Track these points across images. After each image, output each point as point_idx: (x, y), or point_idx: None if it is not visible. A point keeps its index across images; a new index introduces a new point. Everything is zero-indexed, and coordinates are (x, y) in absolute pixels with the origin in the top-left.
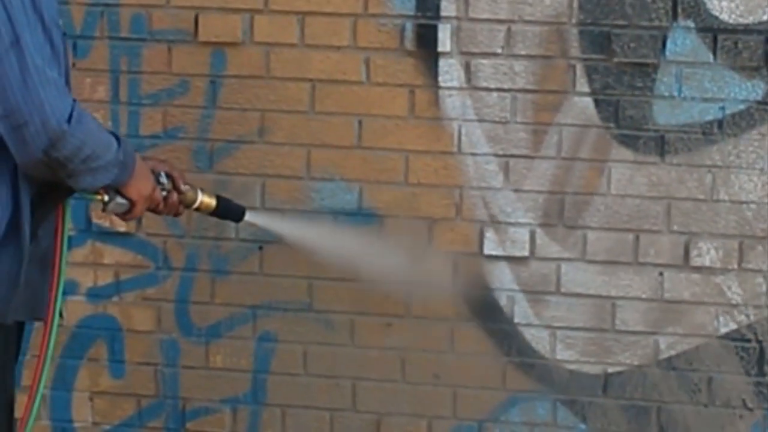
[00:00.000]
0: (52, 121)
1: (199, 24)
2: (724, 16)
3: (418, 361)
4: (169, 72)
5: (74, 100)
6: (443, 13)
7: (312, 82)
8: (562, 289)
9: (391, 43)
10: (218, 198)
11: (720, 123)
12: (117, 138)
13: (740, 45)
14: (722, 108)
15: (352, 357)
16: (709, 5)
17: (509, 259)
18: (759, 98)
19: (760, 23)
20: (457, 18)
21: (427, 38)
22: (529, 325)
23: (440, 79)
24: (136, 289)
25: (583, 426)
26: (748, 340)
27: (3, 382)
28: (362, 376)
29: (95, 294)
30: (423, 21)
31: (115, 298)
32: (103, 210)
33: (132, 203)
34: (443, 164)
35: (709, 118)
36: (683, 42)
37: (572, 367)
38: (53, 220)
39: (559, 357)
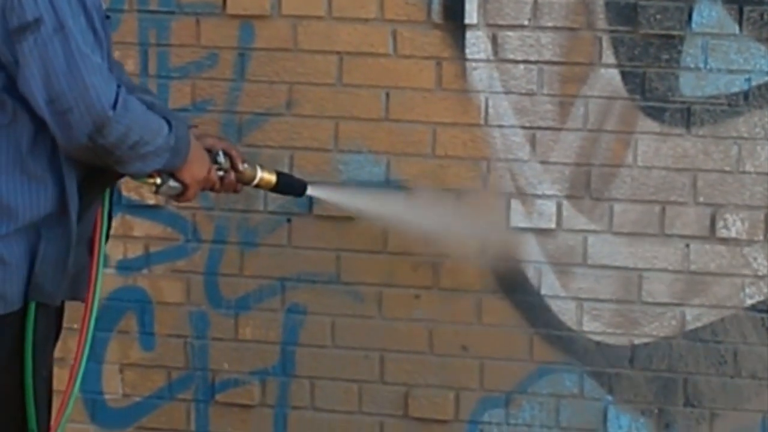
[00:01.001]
0: (96, 106)
1: None
2: None
3: (446, 333)
4: (197, 45)
5: (119, 86)
6: None
7: (339, 54)
8: (589, 261)
9: (418, 15)
10: (279, 174)
11: (746, 94)
12: (168, 122)
13: (766, 16)
14: (748, 79)
15: (380, 329)
16: None
17: (536, 231)
18: None
19: None
20: None
21: (454, 10)
22: (555, 296)
23: (467, 51)
24: (166, 262)
25: (609, 397)
26: None
27: (45, 359)
28: (390, 348)
29: (125, 266)
30: None
31: (144, 271)
32: (155, 192)
33: (185, 186)
34: (470, 136)
35: (735, 89)
36: (709, 14)
37: (599, 338)
38: (99, 203)
39: (585, 328)
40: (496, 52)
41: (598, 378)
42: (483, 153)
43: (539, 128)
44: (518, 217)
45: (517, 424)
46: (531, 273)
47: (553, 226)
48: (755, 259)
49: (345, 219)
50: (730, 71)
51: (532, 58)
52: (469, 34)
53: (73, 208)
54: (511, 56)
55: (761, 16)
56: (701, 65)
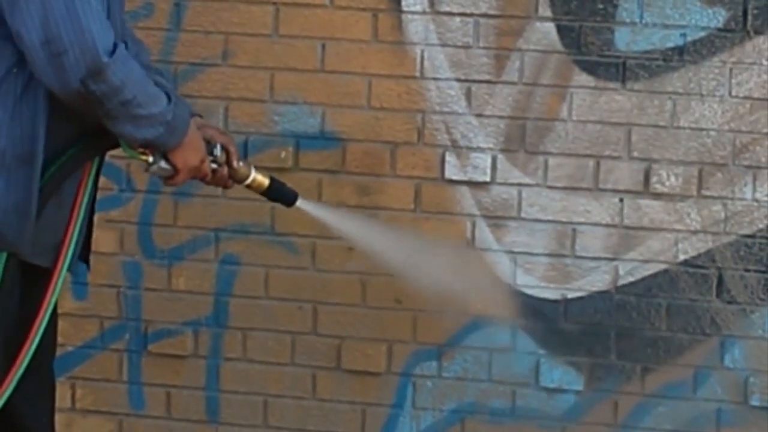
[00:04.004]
0: (92, 50)
1: None
2: None
3: (379, 285)
4: None
5: (122, 42)
6: None
7: (276, 5)
8: (523, 215)
9: None
10: (272, 179)
11: (681, 50)
12: (169, 97)
13: None
14: (683, 35)
15: (313, 281)
16: None
17: (470, 184)
18: (720, 25)
19: None
20: None
21: None
22: (489, 250)
23: (403, 3)
24: (99, 211)
25: (542, 351)
26: (707, 267)
27: (5, 308)
28: (323, 300)
29: None
30: None
31: None
32: (146, 170)
33: (176, 170)
34: (406, 89)
35: (671, 45)
36: None
37: (532, 292)
38: (80, 172)
39: (519, 282)
40: (432, 4)
41: (530, 332)
42: (418, 105)
43: (475, 81)
44: (453, 170)
45: (449, 377)
46: (465, 226)
47: (487, 179)
48: (688, 214)
49: (279, 171)
50: (666, 26)
51: (468, 11)
52: None
53: (39, 158)
54: (447, 9)
55: None
56: (637, 20)
